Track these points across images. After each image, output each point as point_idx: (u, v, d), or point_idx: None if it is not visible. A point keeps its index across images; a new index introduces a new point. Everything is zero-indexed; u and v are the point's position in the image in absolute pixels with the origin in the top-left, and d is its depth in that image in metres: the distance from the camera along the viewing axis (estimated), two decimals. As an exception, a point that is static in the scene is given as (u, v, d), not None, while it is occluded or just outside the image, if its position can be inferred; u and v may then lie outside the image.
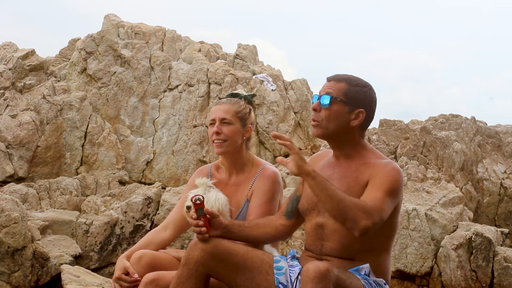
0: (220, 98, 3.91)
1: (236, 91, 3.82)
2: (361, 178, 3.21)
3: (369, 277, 3.18)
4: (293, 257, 3.41)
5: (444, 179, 10.65)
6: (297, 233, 9.40)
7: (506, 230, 10.26)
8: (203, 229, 3.24)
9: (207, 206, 3.36)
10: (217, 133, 3.67)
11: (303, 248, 3.48)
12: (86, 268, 7.93)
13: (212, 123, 3.71)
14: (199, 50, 12.35)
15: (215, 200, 3.48)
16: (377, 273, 3.23)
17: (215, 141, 3.69)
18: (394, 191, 3.15)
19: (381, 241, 3.25)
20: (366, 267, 3.19)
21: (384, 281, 3.25)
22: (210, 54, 12.39)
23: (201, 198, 3.28)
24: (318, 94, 3.32)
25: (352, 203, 3.04)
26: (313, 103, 3.34)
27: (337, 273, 2.98)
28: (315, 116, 3.28)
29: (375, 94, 3.37)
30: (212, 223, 3.28)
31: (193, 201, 3.27)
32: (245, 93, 3.82)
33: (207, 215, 3.27)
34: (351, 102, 3.26)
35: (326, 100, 3.26)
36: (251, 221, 3.46)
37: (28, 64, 11.65)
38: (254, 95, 3.94)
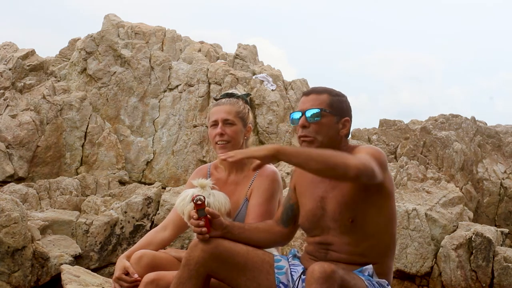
0: (215, 99, 3.86)
1: (231, 91, 3.81)
2: None
3: (372, 278, 3.19)
4: (294, 256, 3.41)
5: (444, 179, 10.65)
6: (298, 233, 9.39)
7: (506, 230, 10.26)
8: (204, 229, 3.24)
9: (220, 206, 3.37)
10: (221, 135, 3.65)
11: (303, 248, 3.48)
12: (86, 268, 7.93)
13: (214, 124, 3.69)
14: (199, 50, 12.35)
15: (226, 202, 3.48)
16: (380, 275, 3.23)
17: (218, 143, 3.66)
18: (378, 158, 3.09)
19: (386, 239, 3.25)
20: (369, 268, 3.19)
21: (387, 282, 3.26)
22: (210, 54, 12.40)
23: (202, 198, 3.27)
24: (299, 110, 3.26)
25: (333, 151, 3.02)
26: (294, 120, 3.26)
27: (342, 274, 2.98)
28: (306, 132, 3.22)
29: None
30: (212, 224, 3.28)
31: (194, 201, 3.26)
32: (240, 93, 3.81)
33: (208, 216, 3.27)
34: (338, 112, 3.25)
35: (316, 114, 3.21)
36: (251, 224, 3.45)
37: (28, 64, 11.65)
38: (249, 94, 3.93)
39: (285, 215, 3.44)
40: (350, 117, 3.29)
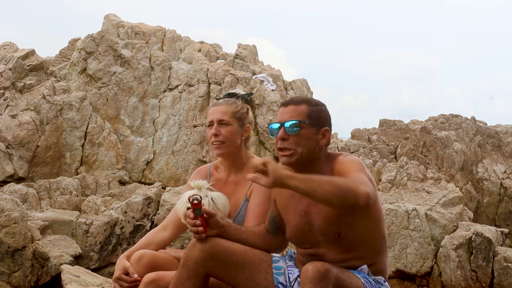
0: (217, 99, 3.87)
1: (232, 91, 3.81)
2: None
3: (369, 276, 3.18)
4: (291, 257, 3.42)
5: (444, 179, 10.65)
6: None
7: (506, 230, 10.27)
8: (200, 228, 3.24)
9: (220, 207, 3.37)
10: (216, 135, 3.66)
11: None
12: (86, 268, 7.93)
13: (210, 124, 3.69)
14: (199, 50, 12.35)
15: (225, 203, 3.48)
16: (376, 273, 3.23)
17: (214, 143, 3.67)
18: (361, 168, 3.10)
19: (376, 241, 3.25)
20: (364, 268, 3.19)
21: (384, 279, 3.25)
22: (210, 54, 12.39)
23: (199, 198, 3.28)
24: (277, 122, 3.24)
25: (340, 179, 2.97)
26: (273, 131, 3.25)
27: (336, 273, 2.97)
28: (285, 144, 3.19)
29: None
30: (209, 223, 3.29)
31: (190, 201, 3.27)
32: (242, 93, 3.81)
33: (204, 215, 3.27)
34: (317, 123, 3.22)
35: (294, 126, 3.18)
36: (248, 228, 3.46)
37: (28, 64, 11.65)
38: (251, 94, 3.92)
39: (270, 226, 3.44)
40: (330, 126, 3.26)
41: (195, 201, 3.26)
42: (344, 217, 3.13)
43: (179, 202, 3.52)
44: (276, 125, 3.24)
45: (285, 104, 3.29)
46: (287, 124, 3.20)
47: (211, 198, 3.48)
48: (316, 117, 3.22)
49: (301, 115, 3.21)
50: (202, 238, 3.24)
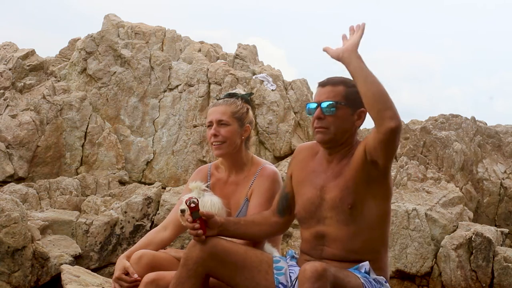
0: (217, 99, 3.88)
1: (233, 91, 3.81)
2: (356, 161, 3.23)
3: (369, 275, 3.18)
4: (292, 257, 3.42)
5: (444, 179, 10.65)
6: (297, 233, 9.41)
7: (506, 230, 10.26)
8: (200, 231, 3.24)
9: (204, 210, 3.35)
10: (215, 135, 3.66)
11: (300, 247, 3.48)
12: (86, 268, 7.94)
13: (210, 125, 3.70)
14: (199, 50, 12.35)
15: (211, 205, 3.46)
16: (377, 270, 3.23)
17: (213, 143, 3.68)
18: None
19: (379, 237, 3.26)
20: (366, 264, 3.19)
21: (385, 279, 3.25)
22: (210, 54, 12.39)
23: (196, 201, 3.27)
24: (315, 102, 3.28)
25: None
26: (310, 110, 3.29)
27: (334, 272, 2.99)
28: (321, 123, 3.25)
29: None
30: (208, 224, 3.29)
31: (187, 204, 3.26)
32: (242, 93, 3.81)
33: (203, 217, 3.27)
34: (353, 104, 3.26)
35: (330, 107, 3.23)
36: (247, 218, 3.47)
37: (28, 64, 11.65)
38: (251, 94, 3.92)
39: (281, 204, 3.46)
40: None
41: (192, 204, 3.26)
42: (361, 190, 3.18)
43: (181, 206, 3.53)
44: (313, 105, 3.29)
45: (322, 84, 3.33)
46: (323, 105, 3.25)
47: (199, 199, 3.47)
48: (353, 98, 3.26)
49: (338, 96, 3.26)
50: (202, 240, 3.25)
